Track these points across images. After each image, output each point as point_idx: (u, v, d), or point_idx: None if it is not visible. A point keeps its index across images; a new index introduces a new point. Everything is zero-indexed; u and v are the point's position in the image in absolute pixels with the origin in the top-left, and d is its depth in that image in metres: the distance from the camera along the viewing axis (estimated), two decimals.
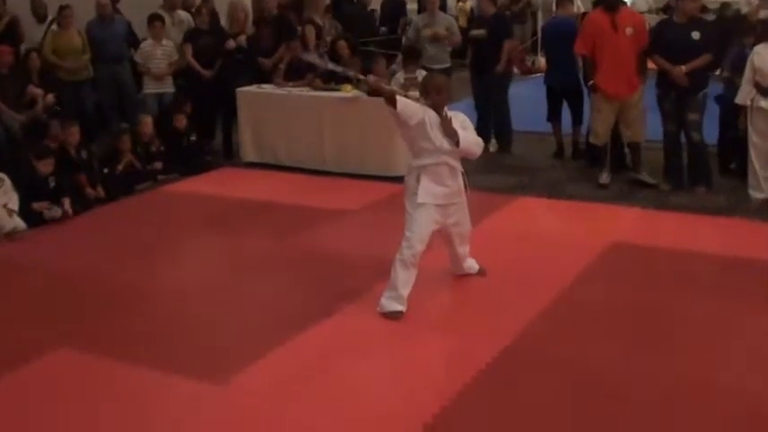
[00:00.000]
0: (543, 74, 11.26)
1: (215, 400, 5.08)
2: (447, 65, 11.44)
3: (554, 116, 10.87)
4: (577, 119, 10.73)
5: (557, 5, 11.61)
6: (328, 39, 12.31)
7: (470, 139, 6.16)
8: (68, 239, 8.23)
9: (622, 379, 5.22)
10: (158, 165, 10.15)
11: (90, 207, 9.03)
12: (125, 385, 5.30)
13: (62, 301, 6.69)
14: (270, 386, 5.23)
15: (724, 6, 16.41)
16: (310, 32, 10.95)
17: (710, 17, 14.46)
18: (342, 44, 11.10)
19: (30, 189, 8.49)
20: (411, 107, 5.98)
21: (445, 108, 6.12)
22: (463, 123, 6.21)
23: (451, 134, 6.02)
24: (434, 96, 6.09)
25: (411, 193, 6.15)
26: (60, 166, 8.88)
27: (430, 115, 6.03)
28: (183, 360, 5.56)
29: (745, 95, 8.61)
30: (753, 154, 8.63)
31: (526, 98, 11.95)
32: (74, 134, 9.29)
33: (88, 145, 9.84)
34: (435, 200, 6.11)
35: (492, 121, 11.10)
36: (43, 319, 6.32)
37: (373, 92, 6.19)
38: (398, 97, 5.93)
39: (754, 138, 8.60)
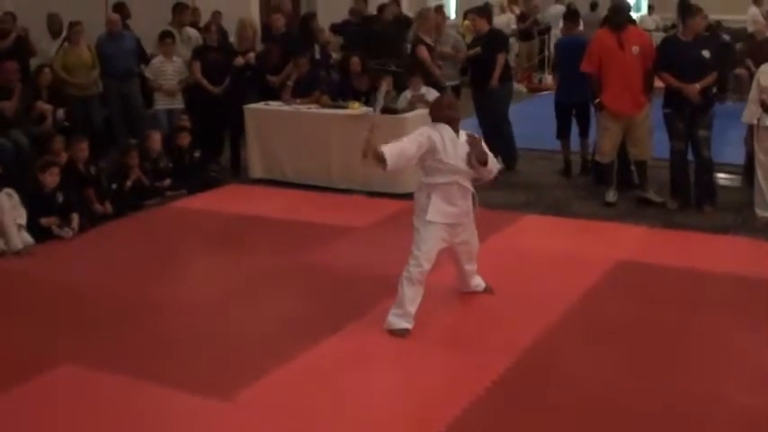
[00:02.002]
0: (554, 91, 11.26)
1: (220, 416, 5.10)
2: (456, 82, 11.48)
3: (564, 133, 10.89)
4: (585, 131, 10.76)
5: (563, 25, 11.61)
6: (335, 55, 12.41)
7: (492, 160, 6.21)
8: (76, 255, 8.25)
9: (629, 396, 5.23)
10: (167, 181, 10.17)
11: (98, 223, 9.05)
12: (130, 401, 5.31)
13: (68, 316, 6.70)
14: (275, 402, 5.25)
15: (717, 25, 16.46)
16: (422, 52, 10.77)
17: (726, 38, 14.54)
18: (354, 61, 11.13)
19: (37, 204, 8.51)
20: (408, 151, 5.98)
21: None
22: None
23: (482, 157, 6.07)
24: (446, 113, 6.12)
25: (420, 210, 6.16)
26: (69, 181, 8.91)
27: (443, 134, 6.05)
28: (189, 376, 5.58)
29: (751, 115, 8.64)
30: (759, 173, 8.64)
31: (533, 116, 11.98)
32: (82, 150, 9.32)
33: (97, 160, 9.86)
34: (445, 219, 6.12)
35: (496, 139, 11.09)
36: (49, 334, 6.33)
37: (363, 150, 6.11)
38: (387, 154, 5.91)
39: (760, 156, 8.62)
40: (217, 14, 13.62)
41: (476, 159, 6.07)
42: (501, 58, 10.89)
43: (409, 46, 11.75)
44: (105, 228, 9.03)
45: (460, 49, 11.61)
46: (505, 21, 19.62)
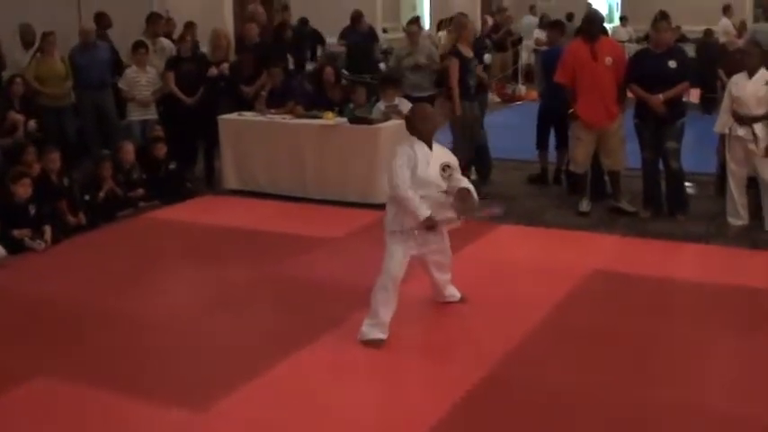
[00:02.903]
0: (537, 101, 11.26)
1: (194, 428, 5.10)
2: (430, 93, 11.49)
3: (545, 143, 10.95)
4: (565, 142, 10.81)
5: (547, 35, 11.65)
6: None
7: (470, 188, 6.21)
8: (48, 267, 8.20)
9: (604, 405, 5.25)
10: (140, 192, 10.14)
11: (71, 234, 9.00)
12: (104, 413, 5.29)
13: (41, 329, 6.66)
14: (249, 414, 5.24)
15: (707, 34, 16.60)
16: (453, 64, 10.70)
17: (689, 47, 14.65)
18: (328, 71, 11.12)
19: (10, 215, 8.47)
20: (401, 173, 6.02)
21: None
22: (451, 163, 6.23)
23: (470, 212, 6.17)
24: (422, 125, 6.13)
25: (392, 220, 6.17)
26: (41, 192, 8.86)
27: (416, 149, 6.06)
28: (163, 388, 5.56)
29: (723, 124, 8.70)
30: (731, 181, 8.70)
31: (507, 126, 12.01)
32: (54, 160, 9.27)
33: (69, 172, 9.82)
34: (416, 228, 6.13)
35: (467, 149, 11.09)
36: (22, 347, 6.30)
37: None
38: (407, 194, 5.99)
39: (732, 165, 8.68)
40: (191, 25, 13.60)
41: (462, 213, 6.11)
42: (478, 68, 10.90)
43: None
44: (78, 239, 8.98)
45: (435, 60, 11.63)
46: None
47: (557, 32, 11.36)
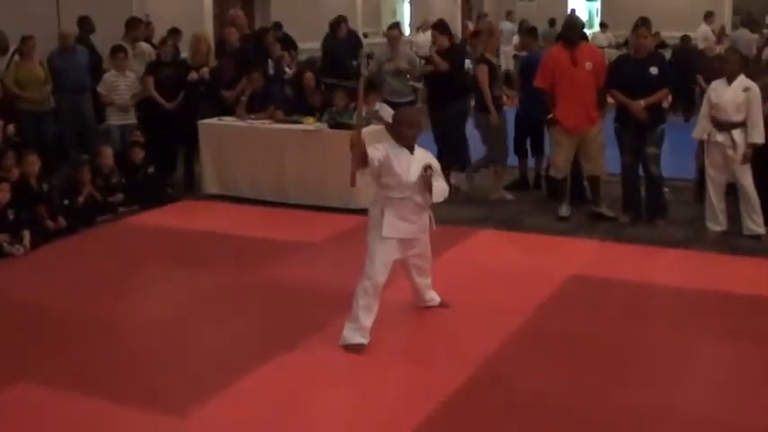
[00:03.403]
0: (516, 107, 11.29)
1: None
2: (410, 98, 11.52)
3: (523, 149, 10.97)
4: (541, 149, 10.85)
5: (519, 40, 11.70)
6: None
7: (440, 189, 6.19)
8: (27, 272, 8.16)
9: (583, 409, 5.26)
10: (119, 197, 10.11)
11: (50, 239, 8.95)
12: (85, 419, 5.26)
13: (20, 334, 6.62)
14: (230, 419, 5.22)
15: (684, 40, 16.68)
16: (482, 72, 10.41)
17: (667, 53, 14.74)
18: (308, 75, 11.13)
19: None
20: (375, 155, 6.02)
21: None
22: (431, 164, 6.21)
23: (429, 189, 6.07)
24: (406, 130, 6.12)
25: (374, 225, 6.17)
26: (20, 197, 8.82)
27: (397, 152, 6.07)
28: (144, 393, 5.53)
29: (701, 130, 8.74)
30: (710, 187, 8.73)
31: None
32: (33, 165, 9.21)
33: (48, 176, 9.78)
34: (399, 234, 6.12)
35: (452, 155, 11.10)
36: (2, 353, 6.25)
37: (352, 148, 6.17)
38: (369, 155, 5.97)
39: (710, 171, 8.72)
40: (176, 32, 13.60)
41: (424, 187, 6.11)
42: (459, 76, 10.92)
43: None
44: (57, 244, 8.94)
45: (416, 66, 11.67)
46: (424, 40, 19.32)
47: (530, 38, 11.39)
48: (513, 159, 11.00)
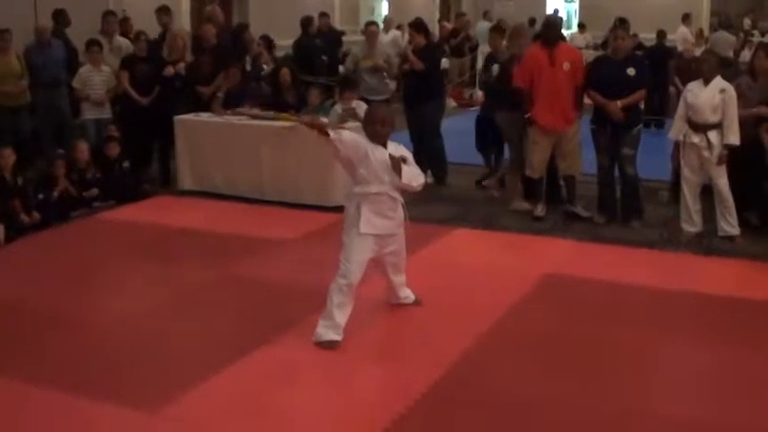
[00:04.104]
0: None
1: (148, 430, 5.04)
2: (386, 96, 11.51)
3: (485, 145, 11.01)
4: (502, 150, 10.91)
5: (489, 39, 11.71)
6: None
7: (413, 174, 6.19)
8: (1, 266, 8.11)
9: (557, 409, 5.26)
10: (94, 191, 10.06)
11: (24, 233, 8.91)
12: (56, 414, 5.22)
13: None
14: (202, 415, 5.20)
15: (659, 36, 16.71)
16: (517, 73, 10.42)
17: (639, 53, 14.77)
18: (284, 72, 11.11)
19: None
20: (351, 138, 6.01)
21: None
22: (404, 155, 6.22)
23: (397, 170, 6.04)
24: (378, 128, 6.11)
25: (350, 221, 6.15)
26: None
27: (372, 147, 6.06)
28: (116, 389, 5.49)
29: (677, 131, 8.76)
30: (685, 188, 8.76)
31: (463, 131, 12.03)
32: (7, 158, 9.15)
33: (23, 170, 9.72)
34: (376, 230, 6.12)
35: (426, 153, 11.10)
36: None
37: (309, 127, 6.23)
38: (332, 131, 5.97)
39: (686, 172, 8.74)
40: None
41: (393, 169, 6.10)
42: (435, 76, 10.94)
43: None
44: (31, 239, 8.89)
45: (392, 64, 11.66)
46: (390, 39, 19.19)
47: (495, 37, 11.39)
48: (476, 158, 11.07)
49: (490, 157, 11.13)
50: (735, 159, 8.59)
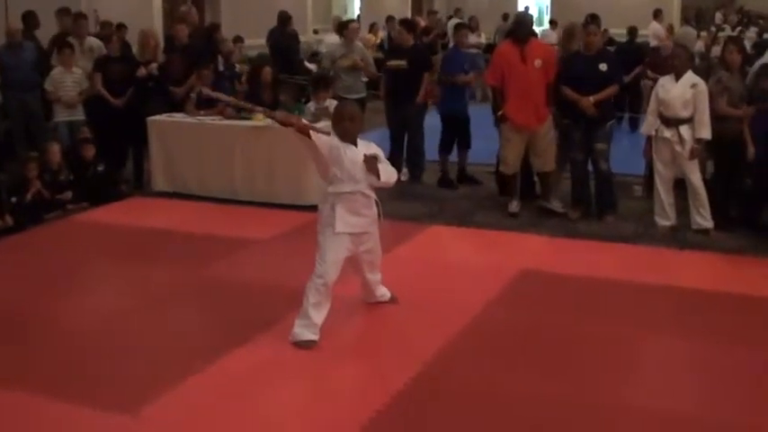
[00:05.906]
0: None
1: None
2: (362, 95, 11.50)
3: (449, 147, 11.06)
4: (465, 144, 10.93)
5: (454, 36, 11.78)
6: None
7: (388, 172, 6.20)
8: None
9: (534, 404, 5.28)
10: (67, 194, 10.01)
11: None
12: (31, 418, 5.19)
13: None
14: (181, 417, 5.18)
15: (631, 32, 16.76)
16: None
17: (611, 49, 14.80)
18: (267, 71, 11.07)
19: None
20: (325, 139, 6.01)
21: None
22: (376, 153, 6.23)
23: (374, 171, 6.05)
24: (347, 124, 6.11)
25: (325, 221, 6.15)
26: None
27: (343, 146, 6.06)
28: (92, 391, 5.47)
29: (649, 126, 8.82)
30: (658, 182, 8.81)
31: (436, 129, 12.03)
32: None
33: None
34: (351, 229, 6.12)
35: (407, 151, 11.11)
36: None
37: (283, 125, 6.24)
38: (312, 132, 5.98)
39: (658, 166, 8.79)
40: (121, 27, 13.45)
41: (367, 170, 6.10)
42: (428, 77, 10.91)
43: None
44: (4, 242, 8.83)
45: (369, 63, 11.66)
46: (332, 41, 19.08)
47: (458, 33, 11.41)
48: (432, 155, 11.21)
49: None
50: (719, 155, 8.69)
